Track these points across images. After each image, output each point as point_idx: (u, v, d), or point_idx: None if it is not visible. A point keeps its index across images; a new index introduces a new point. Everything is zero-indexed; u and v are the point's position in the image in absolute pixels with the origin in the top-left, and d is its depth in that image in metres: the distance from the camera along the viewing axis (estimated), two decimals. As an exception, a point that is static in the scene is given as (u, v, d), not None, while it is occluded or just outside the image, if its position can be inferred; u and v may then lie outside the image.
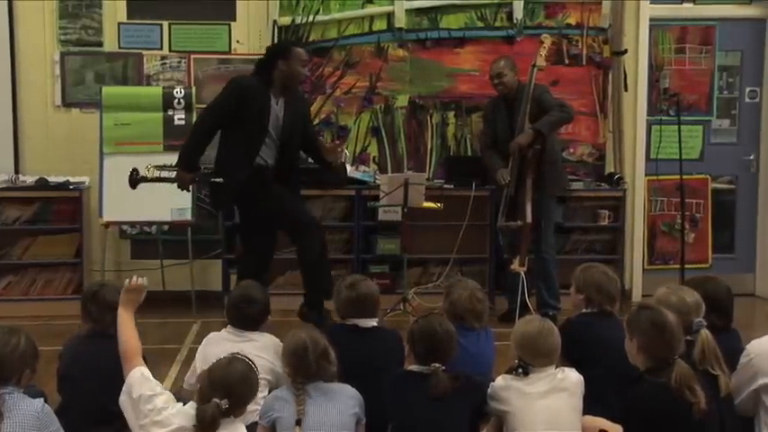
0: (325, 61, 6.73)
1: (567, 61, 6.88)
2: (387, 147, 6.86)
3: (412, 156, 6.87)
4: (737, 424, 3.14)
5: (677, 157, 6.22)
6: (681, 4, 7.05)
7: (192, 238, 6.34)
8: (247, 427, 2.87)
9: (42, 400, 2.87)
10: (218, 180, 5.35)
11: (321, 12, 6.71)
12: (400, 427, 3.10)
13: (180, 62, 6.69)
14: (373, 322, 3.64)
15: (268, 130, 5.24)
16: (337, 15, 6.74)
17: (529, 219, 5.80)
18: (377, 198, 6.15)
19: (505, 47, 6.76)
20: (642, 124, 6.99)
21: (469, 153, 6.88)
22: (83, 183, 6.36)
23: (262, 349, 3.41)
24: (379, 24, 6.79)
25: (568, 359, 3.25)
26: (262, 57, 5.58)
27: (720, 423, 2.93)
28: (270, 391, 3.23)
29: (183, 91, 6.36)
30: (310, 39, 6.69)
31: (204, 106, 6.07)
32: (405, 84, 6.83)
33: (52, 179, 6.31)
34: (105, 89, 6.36)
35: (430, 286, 6.49)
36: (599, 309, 3.60)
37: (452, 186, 6.52)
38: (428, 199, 6.06)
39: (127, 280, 3.14)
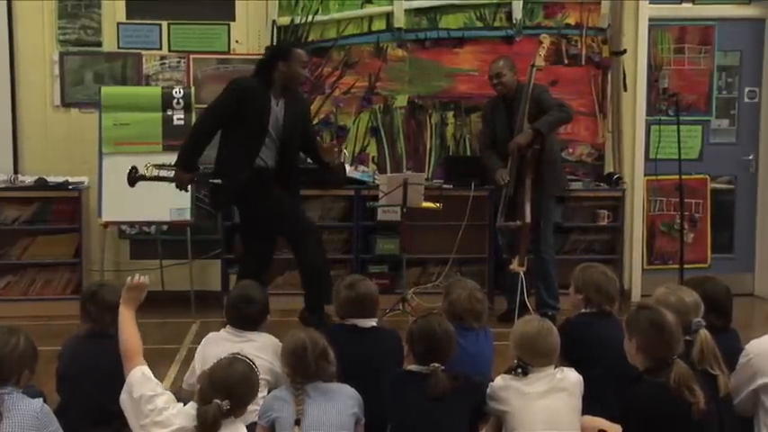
0: (324, 61, 6.73)
1: (566, 61, 6.88)
2: (386, 147, 6.86)
3: (411, 156, 6.87)
4: (736, 424, 3.14)
5: (676, 157, 6.22)
6: (680, 4, 7.05)
7: (192, 238, 6.33)
8: (247, 427, 2.87)
9: (41, 400, 2.87)
10: (216, 181, 5.35)
11: (320, 12, 6.71)
12: (399, 427, 3.10)
13: (179, 62, 6.69)
14: (372, 322, 3.64)
15: (268, 131, 5.24)
16: (336, 15, 6.74)
17: (528, 219, 5.80)
18: (376, 198, 6.15)
19: (504, 47, 6.76)
20: (641, 124, 6.99)
21: (468, 153, 6.88)
22: (82, 183, 6.36)
23: (261, 349, 3.41)
24: (379, 24, 6.79)
25: (567, 359, 3.25)
26: (262, 58, 5.58)
27: (719, 423, 2.93)
28: (269, 392, 3.23)
29: (182, 91, 6.36)
30: (309, 39, 6.69)
31: (203, 106, 6.08)
32: (404, 84, 6.83)
33: (51, 179, 6.31)
34: (104, 89, 6.36)
35: (429, 286, 6.49)
36: (598, 309, 3.61)
37: (451, 186, 6.52)
38: (427, 199, 6.06)
39: (129, 278, 3.14)
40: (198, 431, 2.71)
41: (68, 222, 6.31)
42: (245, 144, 5.21)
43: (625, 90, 6.92)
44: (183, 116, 6.29)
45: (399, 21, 6.76)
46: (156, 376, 2.97)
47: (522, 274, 5.77)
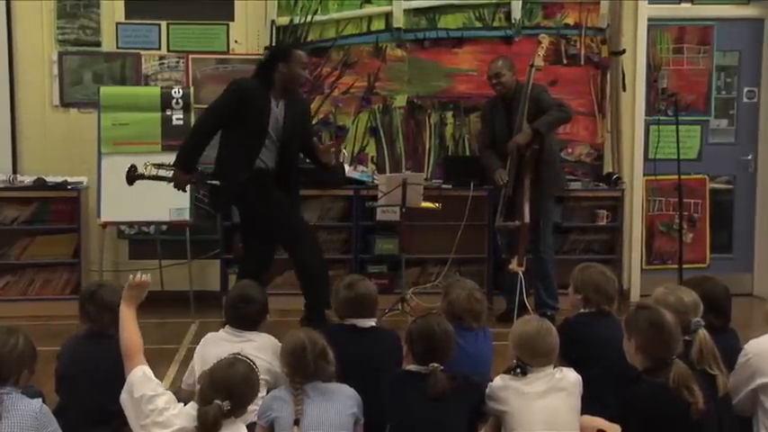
0: (323, 61, 6.73)
1: (565, 61, 6.88)
2: (385, 147, 6.86)
3: (410, 156, 6.87)
4: (735, 424, 3.14)
5: (675, 157, 6.22)
6: (679, 4, 7.05)
7: (191, 239, 6.34)
8: (246, 427, 2.87)
9: (40, 400, 2.86)
10: (214, 182, 5.35)
11: (319, 12, 6.71)
12: (398, 427, 3.10)
13: (178, 62, 6.69)
14: (371, 322, 3.64)
15: (268, 132, 5.23)
16: (335, 15, 6.73)
17: (527, 219, 5.81)
18: (375, 198, 6.15)
19: (503, 47, 6.76)
20: (640, 124, 6.99)
21: (468, 153, 6.88)
22: (81, 183, 6.36)
23: (260, 349, 3.40)
24: (378, 24, 6.79)
25: (566, 359, 3.25)
26: (262, 59, 5.57)
27: (718, 423, 2.93)
28: (268, 392, 3.23)
29: (181, 91, 6.36)
30: (308, 39, 6.69)
31: (202, 106, 6.09)
32: (403, 84, 6.83)
33: (50, 179, 6.31)
34: (103, 89, 6.36)
35: (428, 286, 6.50)
36: (597, 309, 3.61)
37: (451, 186, 6.52)
38: (426, 199, 6.06)
39: (131, 276, 3.13)
40: (198, 431, 2.71)
41: (67, 222, 6.31)
42: (245, 145, 5.21)
43: (624, 90, 6.93)
44: (182, 116, 6.29)
45: (398, 21, 6.76)
46: (155, 376, 2.97)
47: (521, 274, 5.77)
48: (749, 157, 7.18)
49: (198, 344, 3.66)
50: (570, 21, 6.89)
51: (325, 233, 6.54)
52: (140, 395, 2.85)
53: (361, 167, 6.71)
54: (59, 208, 6.33)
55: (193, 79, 6.66)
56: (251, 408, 2.97)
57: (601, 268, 3.72)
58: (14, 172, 6.47)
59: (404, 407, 3.07)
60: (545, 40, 6.13)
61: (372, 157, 6.86)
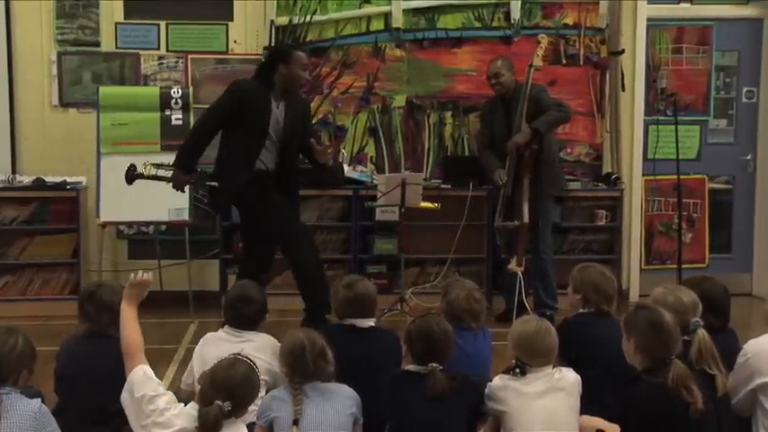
0: (322, 61, 6.73)
1: (564, 61, 6.88)
2: (384, 147, 6.86)
3: (409, 156, 6.87)
4: (734, 424, 3.14)
5: (674, 157, 6.22)
6: (678, 4, 7.05)
7: (190, 239, 6.34)
8: (246, 427, 2.87)
9: (39, 400, 2.86)
10: (213, 184, 5.35)
11: (318, 12, 6.71)
12: (397, 427, 3.10)
13: (177, 62, 6.68)
14: (371, 322, 3.64)
15: (268, 133, 5.23)
16: (334, 15, 6.73)
17: (526, 219, 5.81)
18: (374, 198, 6.15)
19: (503, 47, 6.76)
20: (639, 124, 6.99)
21: (467, 153, 6.88)
22: (80, 183, 6.36)
23: (259, 349, 3.40)
24: (377, 24, 6.79)
25: (565, 359, 3.25)
26: (262, 61, 5.56)
27: (717, 423, 2.93)
28: (267, 392, 3.23)
29: (180, 91, 6.36)
30: (307, 39, 6.69)
31: (201, 106, 6.10)
32: (402, 84, 6.83)
33: (49, 179, 6.31)
34: (102, 89, 6.35)
35: (427, 286, 6.50)
36: (596, 309, 3.61)
37: (450, 186, 6.52)
38: (425, 199, 6.06)
39: (132, 274, 3.13)
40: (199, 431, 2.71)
41: (66, 222, 6.31)
42: (245, 146, 5.20)
43: (623, 90, 6.93)
44: (181, 116, 6.29)
45: (397, 21, 6.76)
46: (154, 376, 2.97)
47: (520, 274, 5.78)
48: (748, 157, 7.18)
49: (197, 344, 3.65)
50: (569, 21, 6.89)
51: (325, 233, 6.55)
52: (141, 395, 2.85)
53: (360, 167, 6.71)
54: (58, 208, 6.33)
55: (192, 79, 6.66)
56: (250, 408, 2.98)
57: (600, 268, 3.72)
58: (13, 172, 6.47)
59: (403, 407, 3.07)
60: (544, 40, 6.13)
61: (371, 157, 6.86)
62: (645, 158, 6.95)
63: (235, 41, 6.70)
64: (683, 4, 7.06)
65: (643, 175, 6.99)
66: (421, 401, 3.03)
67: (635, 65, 6.94)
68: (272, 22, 6.64)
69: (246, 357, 2.90)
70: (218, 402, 2.71)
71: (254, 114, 5.17)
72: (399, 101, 6.84)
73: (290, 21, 6.66)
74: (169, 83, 6.61)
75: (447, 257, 6.44)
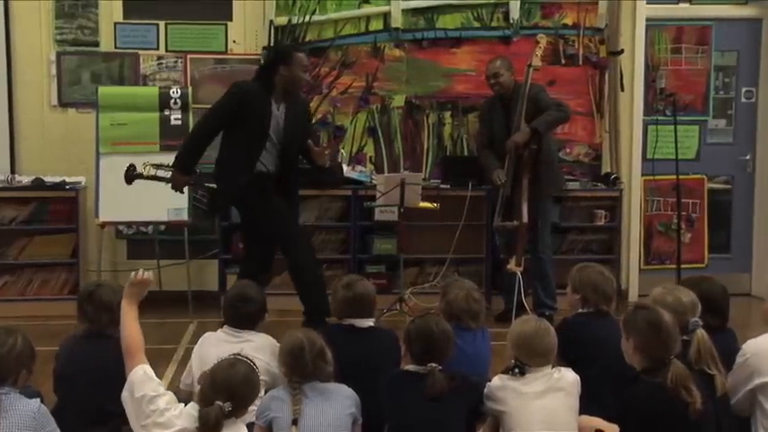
0: (321, 61, 6.72)
1: (563, 61, 6.88)
2: (383, 147, 6.86)
3: (408, 156, 6.87)
4: (734, 424, 3.14)
5: (673, 157, 6.23)
6: (677, 4, 7.06)
7: (189, 239, 6.34)
8: (246, 427, 2.87)
9: (39, 400, 2.86)
10: (211, 186, 5.35)
11: (317, 12, 6.70)
12: (397, 427, 3.10)
13: (176, 62, 6.68)
14: (370, 322, 3.64)
15: (269, 135, 5.22)
16: (334, 15, 6.73)
17: (525, 219, 5.81)
18: (373, 198, 6.15)
19: (502, 47, 6.76)
20: (638, 124, 7.00)
21: (466, 153, 6.88)
22: (79, 183, 6.36)
23: (258, 350, 3.40)
24: (376, 24, 6.79)
25: (565, 359, 3.25)
26: (263, 62, 5.56)
27: (716, 423, 2.93)
28: (266, 392, 3.23)
29: (179, 91, 6.36)
30: (307, 39, 6.69)
31: (200, 106, 6.11)
32: (401, 84, 6.83)
33: (48, 179, 6.31)
34: (101, 89, 6.35)
35: (426, 286, 6.50)
36: (595, 309, 3.61)
37: (449, 186, 6.52)
38: (425, 199, 6.06)
39: (133, 273, 3.13)
40: None
41: (65, 222, 6.31)
42: (245, 148, 5.19)
43: (622, 90, 6.93)
44: (180, 116, 6.29)
45: (397, 21, 6.76)
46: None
47: (519, 274, 5.78)
48: (747, 157, 7.18)
49: (196, 344, 3.65)
50: (568, 21, 6.89)
51: (324, 233, 6.55)
52: (141, 395, 2.85)
53: (359, 167, 6.71)
54: (57, 208, 6.33)
55: (191, 79, 6.66)
56: (250, 408, 2.98)
57: (599, 268, 3.73)
58: (12, 172, 6.47)
59: (402, 407, 3.07)
60: (543, 39, 6.13)
61: (371, 157, 6.86)
62: (644, 158, 6.96)
63: (234, 41, 6.70)
64: (682, 5, 7.06)
65: (642, 175, 6.99)
66: (420, 401, 3.03)
67: (634, 65, 6.95)
68: (271, 22, 6.64)
69: (246, 357, 2.90)
70: (219, 403, 2.71)
71: (255, 116, 5.16)
72: (398, 101, 6.84)
73: (290, 21, 6.66)
74: (168, 83, 6.61)
75: (446, 257, 6.44)
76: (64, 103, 6.62)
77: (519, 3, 6.79)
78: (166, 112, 6.30)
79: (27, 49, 6.56)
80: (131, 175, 5.38)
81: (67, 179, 6.32)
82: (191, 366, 3.60)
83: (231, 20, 6.69)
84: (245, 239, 5.67)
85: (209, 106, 5.59)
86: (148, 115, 6.28)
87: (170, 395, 2.88)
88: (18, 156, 6.58)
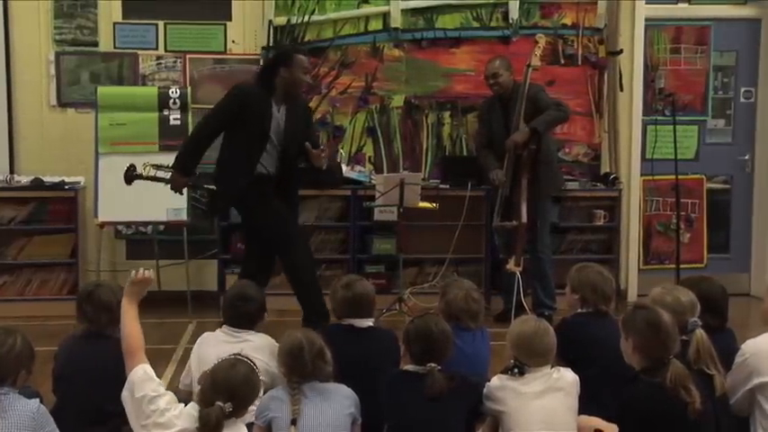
0: (320, 61, 6.72)
1: (562, 61, 6.88)
2: (382, 147, 6.86)
3: (408, 156, 6.87)
4: (733, 423, 3.14)
5: (672, 157, 6.23)
6: (676, 4, 7.06)
7: (188, 239, 6.34)
8: (245, 426, 2.87)
9: (38, 400, 2.86)
10: (211, 187, 5.35)
11: (317, 12, 6.70)
12: (396, 427, 3.10)
13: (175, 62, 6.68)
14: (369, 322, 3.64)
15: (269, 137, 5.21)
16: (333, 15, 6.73)
17: (524, 219, 5.80)
18: (372, 198, 6.16)
19: (501, 47, 6.76)
20: (637, 124, 7.00)
21: (465, 153, 6.88)
22: (78, 183, 6.35)
23: (257, 350, 3.39)
24: (375, 24, 6.79)
25: (564, 359, 3.25)
26: (263, 65, 5.55)
27: (715, 423, 2.93)
28: (265, 392, 3.23)
29: (178, 91, 6.35)
30: (306, 39, 6.69)
31: (200, 106, 6.11)
32: (400, 84, 6.83)
33: (47, 179, 6.31)
34: (100, 89, 6.35)
35: (426, 286, 6.50)
36: (594, 309, 3.61)
37: (448, 186, 6.52)
38: (424, 199, 6.06)
39: (133, 271, 3.12)
40: None
41: (64, 222, 6.31)
42: (246, 149, 5.18)
43: (621, 90, 6.93)
44: (179, 116, 6.28)
45: (396, 21, 6.76)
46: (153, 376, 2.97)
47: (518, 274, 5.78)
48: (746, 157, 7.18)
49: (195, 344, 3.65)
50: (567, 21, 6.89)
51: (323, 233, 6.55)
52: (142, 395, 2.85)
53: (358, 167, 6.71)
54: (56, 208, 6.33)
55: (191, 79, 6.66)
56: (250, 408, 2.98)
57: (598, 268, 3.73)
58: (11, 172, 6.47)
59: (401, 407, 3.07)
60: (542, 39, 6.13)
61: (370, 157, 6.86)
62: (643, 158, 6.96)
63: (233, 41, 6.70)
64: (681, 5, 7.06)
65: (641, 175, 6.99)
66: (419, 401, 3.03)
67: (633, 65, 6.95)
68: (270, 22, 6.64)
69: (247, 357, 2.90)
70: (220, 403, 2.71)
71: (255, 118, 5.16)
72: (398, 101, 6.84)
73: (289, 21, 6.66)
74: (167, 83, 6.61)
75: (445, 257, 6.44)
76: (63, 103, 6.62)
77: (518, 3, 6.79)
78: (165, 112, 6.29)
79: (26, 48, 6.56)
80: (131, 176, 5.37)
81: (66, 179, 6.32)
82: (189, 366, 3.61)
83: (230, 20, 6.69)
84: (246, 240, 5.67)
85: (208, 106, 5.59)
86: (147, 115, 6.27)
87: (170, 395, 2.88)
88: (17, 156, 6.58)
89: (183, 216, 6.19)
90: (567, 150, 6.92)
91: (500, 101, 6.07)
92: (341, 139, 6.79)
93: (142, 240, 6.67)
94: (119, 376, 2.97)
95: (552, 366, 3.12)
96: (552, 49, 6.78)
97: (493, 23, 6.85)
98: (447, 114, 6.89)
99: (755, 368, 3.11)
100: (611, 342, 3.14)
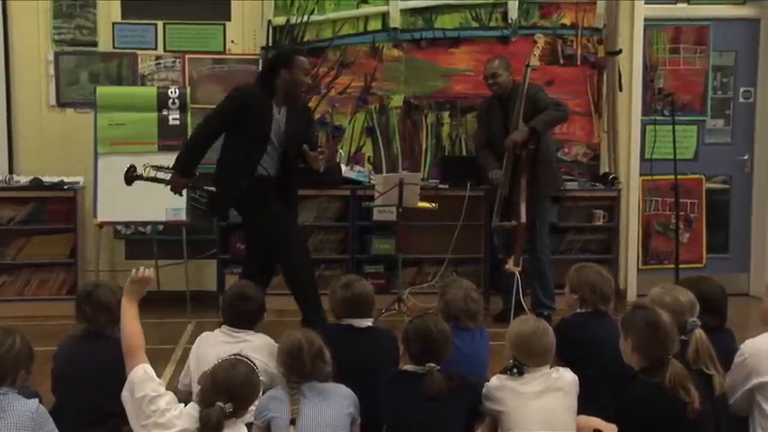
0: (319, 61, 6.72)
1: (561, 61, 6.88)
2: (382, 147, 6.86)
3: (407, 156, 6.87)
4: (732, 423, 3.14)
5: (672, 157, 6.23)
6: (675, 4, 7.06)
7: (187, 239, 6.34)
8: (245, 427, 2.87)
9: (37, 400, 2.86)
10: (211, 189, 5.35)
11: (316, 12, 6.70)
12: (395, 427, 3.10)
13: (174, 62, 6.68)
14: (368, 322, 3.64)
15: (270, 139, 5.21)
16: (332, 15, 6.73)
17: (523, 219, 5.80)
18: (372, 198, 6.15)
19: (500, 47, 6.76)
20: (637, 124, 7.00)
21: (464, 153, 6.88)
22: (77, 183, 6.35)
23: (256, 350, 3.39)
24: (374, 24, 6.79)
25: (563, 359, 3.25)
26: (264, 66, 5.54)
27: (715, 423, 2.93)
28: (263, 393, 3.23)
29: (177, 91, 6.35)
30: (305, 39, 6.69)
31: (199, 106, 6.11)
32: (400, 84, 6.83)
33: (46, 179, 6.30)
34: (100, 89, 6.35)
35: (425, 286, 6.50)
36: (593, 309, 3.61)
37: (447, 186, 6.52)
38: (423, 199, 6.06)
39: (133, 270, 3.12)
40: None
41: (64, 222, 6.30)
42: (246, 151, 5.18)
43: (620, 90, 6.93)
44: (178, 116, 6.28)
45: (395, 21, 6.76)
46: (152, 377, 2.97)
47: (517, 274, 5.78)
48: (745, 157, 7.18)
49: (194, 344, 3.65)
50: (567, 21, 6.89)
51: (322, 233, 6.55)
52: (142, 395, 2.85)
53: (357, 167, 6.71)
54: (56, 208, 6.33)
55: (190, 79, 6.66)
56: (249, 407, 2.98)
57: (597, 268, 3.73)
58: (11, 172, 6.47)
59: (400, 407, 3.07)
60: (540, 39, 6.13)
61: (369, 157, 6.86)
62: (642, 158, 6.96)
63: (232, 41, 6.70)
64: (680, 5, 7.06)
65: (640, 175, 6.99)
66: (418, 401, 3.03)
67: (632, 65, 6.95)
68: (269, 22, 6.64)
69: (246, 357, 2.90)
70: (220, 404, 2.71)
71: (256, 120, 5.15)
72: (397, 101, 6.84)
73: (288, 21, 6.66)
74: (166, 83, 6.61)
75: (444, 257, 6.44)
76: (62, 103, 6.62)
77: (517, 3, 6.79)
78: (165, 112, 6.29)
79: (25, 49, 6.56)
80: (131, 177, 5.37)
81: (66, 179, 6.32)
82: (188, 366, 3.61)
83: (229, 20, 6.69)
84: (247, 240, 5.66)
85: (207, 106, 5.60)
86: (147, 115, 6.27)
87: (170, 395, 2.89)
88: (16, 156, 6.58)
89: (183, 216, 6.18)
90: (566, 150, 6.92)
91: (499, 101, 6.07)
92: (340, 139, 6.79)
93: (141, 240, 6.66)
94: (118, 376, 2.97)
95: (551, 366, 3.12)
96: (551, 49, 6.79)
97: (492, 23, 6.84)
98: (446, 114, 6.89)
99: (754, 368, 3.11)
100: (611, 342, 3.14)
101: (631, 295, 6.93)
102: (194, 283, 6.47)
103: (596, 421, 3.12)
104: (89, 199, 6.33)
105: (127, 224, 6.57)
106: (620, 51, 6.89)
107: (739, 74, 7.16)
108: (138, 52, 6.65)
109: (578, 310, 3.65)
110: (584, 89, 6.92)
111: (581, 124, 6.93)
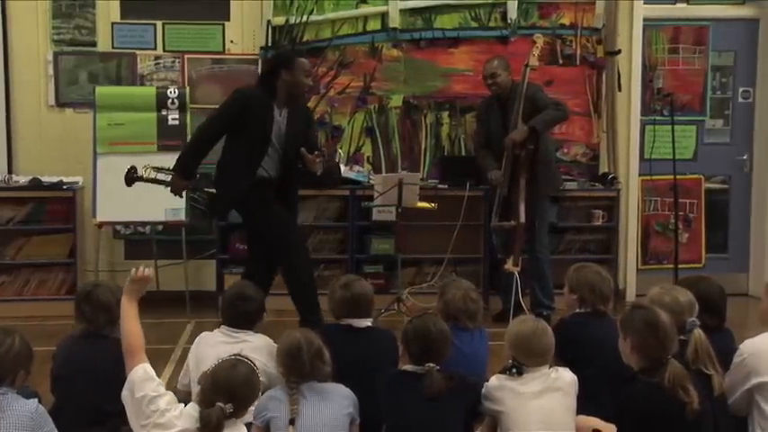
0: (319, 61, 6.71)
1: (560, 61, 6.88)
2: (381, 147, 6.86)
3: (406, 156, 6.87)
4: (731, 423, 3.14)
5: (671, 157, 6.24)
6: (674, 4, 7.06)
7: (187, 239, 6.34)
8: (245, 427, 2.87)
9: (36, 400, 2.86)
10: (211, 191, 5.35)
11: (315, 12, 6.70)
12: (394, 427, 3.10)
13: (174, 62, 6.68)
14: (367, 322, 3.65)
15: (271, 140, 5.21)
16: (331, 15, 6.73)
17: (522, 219, 5.80)
18: (371, 198, 6.15)
19: (499, 47, 6.76)
20: (636, 124, 7.00)
21: (464, 153, 6.89)
22: (76, 183, 6.35)
23: (255, 350, 3.39)
24: (374, 24, 6.79)
25: (562, 359, 3.25)
26: (265, 68, 5.54)
27: (714, 422, 2.93)
28: (263, 393, 3.23)
29: (176, 91, 6.35)
30: (304, 39, 6.69)
31: (198, 106, 6.10)
32: (399, 84, 6.83)
33: (46, 179, 6.30)
34: (99, 89, 6.35)
35: (424, 286, 6.50)
36: (592, 308, 3.62)
37: (446, 186, 6.52)
38: (422, 199, 6.06)
39: (133, 269, 3.12)
40: None
41: (63, 222, 6.30)
42: (247, 153, 5.18)
43: (620, 90, 6.93)
44: (177, 116, 6.28)
45: (394, 21, 6.76)
46: (152, 377, 2.97)
47: (516, 273, 5.78)
48: (744, 157, 7.19)
49: (193, 344, 3.65)
50: (566, 21, 6.89)
51: (322, 233, 6.55)
52: (142, 395, 2.85)
53: (357, 167, 6.71)
54: (55, 208, 6.32)
55: (189, 79, 6.66)
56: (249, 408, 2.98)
57: (596, 268, 3.73)
58: (10, 172, 6.47)
59: (400, 407, 3.07)
60: (539, 39, 6.13)
61: (368, 157, 6.86)
62: (641, 158, 6.96)
63: (231, 41, 6.70)
64: (679, 5, 7.06)
65: (639, 175, 6.99)
66: (418, 401, 3.03)
67: (631, 65, 6.95)
68: (268, 22, 6.64)
69: (246, 358, 2.90)
70: (220, 404, 2.71)
71: (257, 121, 5.15)
72: (396, 101, 6.84)
73: (287, 21, 6.66)
74: (166, 83, 6.61)
75: (444, 257, 6.44)
76: (61, 103, 6.62)
77: (516, 3, 6.79)
78: (164, 112, 6.29)
79: (24, 48, 6.55)
80: (132, 178, 5.36)
81: (65, 179, 6.31)
82: (187, 366, 3.61)
83: (228, 20, 6.69)
84: (248, 241, 5.66)
85: (206, 106, 5.60)
86: (146, 115, 6.27)
87: (170, 395, 2.89)
88: (15, 156, 6.58)
89: (182, 216, 6.18)
90: (565, 150, 6.92)
91: (498, 101, 6.07)
92: (339, 139, 6.78)
93: (140, 240, 6.66)
94: (117, 376, 2.97)
95: (551, 366, 3.13)
96: (550, 49, 6.79)
97: (491, 23, 6.85)
98: (445, 114, 6.89)
99: (754, 368, 3.11)
100: (610, 342, 3.14)
101: (630, 295, 6.93)
102: (193, 283, 6.47)
103: (595, 421, 3.12)
104: (88, 199, 6.33)
105: (126, 224, 6.57)
106: (620, 51, 6.89)
107: (738, 74, 7.16)
108: (138, 52, 6.65)
109: (577, 310, 3.65)
110: (584, 89, 6.92)
111: (580, 124, 6.93)
